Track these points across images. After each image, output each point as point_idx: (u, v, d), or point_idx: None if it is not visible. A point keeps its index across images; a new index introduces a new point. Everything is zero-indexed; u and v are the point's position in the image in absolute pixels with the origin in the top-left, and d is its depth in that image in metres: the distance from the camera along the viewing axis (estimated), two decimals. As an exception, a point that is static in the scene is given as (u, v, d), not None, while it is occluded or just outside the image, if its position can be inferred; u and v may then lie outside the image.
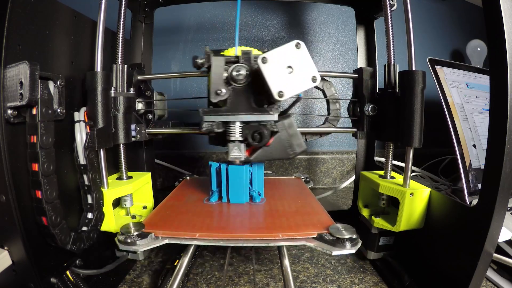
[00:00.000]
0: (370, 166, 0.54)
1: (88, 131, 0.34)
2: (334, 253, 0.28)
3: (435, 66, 0.55)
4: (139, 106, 0.44)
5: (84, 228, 0.35)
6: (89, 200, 0.35)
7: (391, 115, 0.40)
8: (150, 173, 0.46)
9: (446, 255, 0.35)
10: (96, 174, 0.36)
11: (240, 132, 0.33)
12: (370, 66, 0.53)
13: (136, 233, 0.30)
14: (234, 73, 0.32)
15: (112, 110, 0.38)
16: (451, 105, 0.53)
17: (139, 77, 0.44)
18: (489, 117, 0.28)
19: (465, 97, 0.56)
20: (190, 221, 0.34)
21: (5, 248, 0.28)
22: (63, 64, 0.35)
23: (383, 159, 0.46)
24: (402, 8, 0.39)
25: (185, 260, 0.32)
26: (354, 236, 0.30)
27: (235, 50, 0.34)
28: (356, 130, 0.44)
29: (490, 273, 0.41)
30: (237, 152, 0.34)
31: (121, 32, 0.40)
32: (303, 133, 0.44)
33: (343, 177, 0.89)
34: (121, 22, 0.40)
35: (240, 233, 0.31)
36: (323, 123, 0.46)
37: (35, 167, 0.29)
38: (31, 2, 0.30)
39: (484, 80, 0.62)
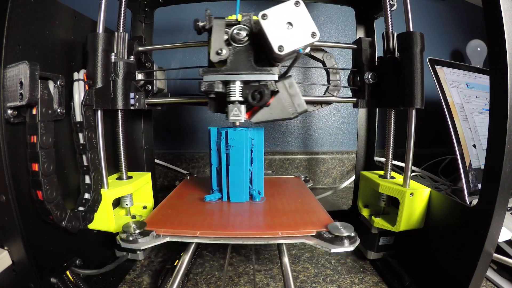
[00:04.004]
0: (370, 166, 0.54)
1: (87, 89, 0.34)
2: (333, 250, 0.29)
3: (435, 66, 0.55)
4: (139, 76, 0.44)
5: (86, 196, 0.35)
6: (85, 162, 0.35)
7: (391, 80, 0.40)
8: (150, 173, 0.46)
9: (446, 255, 0.35)
10: (92, 132, 0.35)
11: (240, 92, 0.33)
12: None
13: (138, 231, 0.31)
14: (235, 32, 0.33)
15: (112, 75, 0.38)
16: (451, 105, 0.53)
17: (140, 48, 0.44)
18: (489, 117, 0.28)
19: (465, 97, 0.56)
20: (191, 220, 0.34)
21: (5, 248, 0.28)
22: (63, 64, 0.35)
23: (383, 159, 0.46)
24: (402, 8, 0.39)
25: (185, 259, 0.32)
26: (352, 234, 0.30)
27: (236, 17, 0.35)
28: (356, 99, 0.44)
29: (490, 273, 0.41)
30: (237, 113, 0.33)
31: (121, 32, 0.40)
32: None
33: (343, 177, 0.89)
34: (121, 22, 0.40)
35: (240, 231, 0.32)
36: (324, 94, 0.46)
37: (35, 167, 0.29)
38: (31, 2, 0.30)
39: (484, 80, 0.62)
